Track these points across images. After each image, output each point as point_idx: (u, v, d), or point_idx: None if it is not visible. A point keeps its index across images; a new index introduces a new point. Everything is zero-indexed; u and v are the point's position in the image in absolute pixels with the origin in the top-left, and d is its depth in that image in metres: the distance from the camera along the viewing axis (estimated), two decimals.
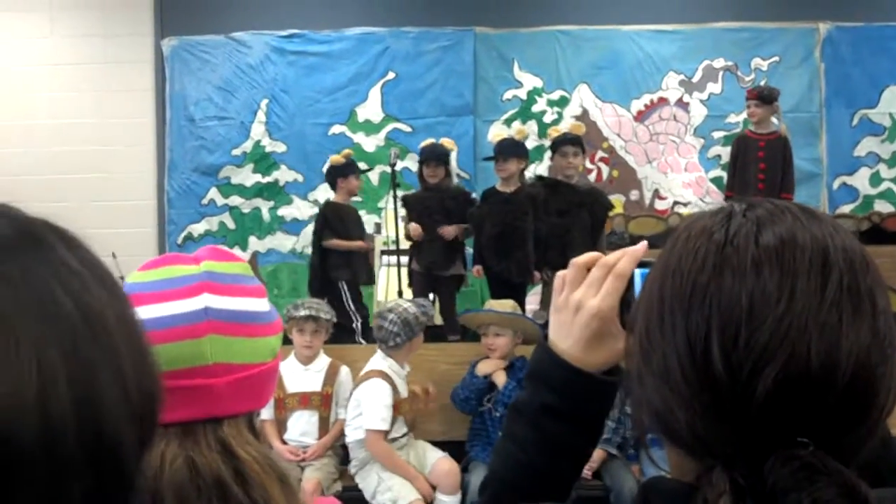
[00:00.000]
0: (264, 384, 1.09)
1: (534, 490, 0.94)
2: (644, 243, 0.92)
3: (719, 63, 7.33)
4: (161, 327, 1.00)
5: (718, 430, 0.67)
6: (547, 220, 5.47)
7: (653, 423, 0.74)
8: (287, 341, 4.72)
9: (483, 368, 4.55)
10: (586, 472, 4.36)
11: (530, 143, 7.15)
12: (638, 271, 0.89)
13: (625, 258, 0.91)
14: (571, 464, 0.94)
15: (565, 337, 0.93)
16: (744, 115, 6.34)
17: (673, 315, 0.71)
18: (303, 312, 4.60)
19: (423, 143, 6.00)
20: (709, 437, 0.67)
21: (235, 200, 7.23)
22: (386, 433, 4.19)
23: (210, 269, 1.06)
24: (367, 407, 4.16)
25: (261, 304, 1.09)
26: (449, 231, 5.58)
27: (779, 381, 0.65)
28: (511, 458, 0.95)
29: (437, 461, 4.35)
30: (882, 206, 7.12)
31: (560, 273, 0.95)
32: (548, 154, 6.26)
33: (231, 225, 7.22)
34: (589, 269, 0.93)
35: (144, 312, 0.98)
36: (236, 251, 7.13)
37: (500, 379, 4.50)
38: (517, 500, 0.93)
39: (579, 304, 0.91)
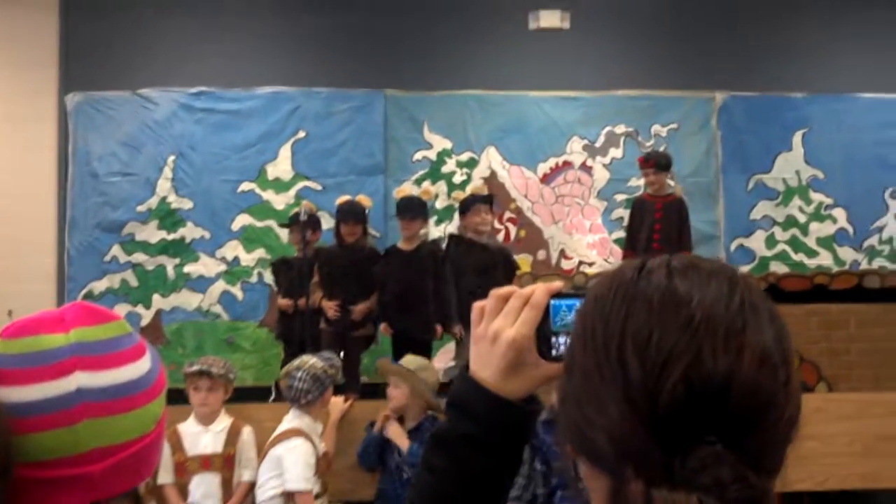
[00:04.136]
0: (147, 457, 1.03)
1: None
2: (559, 282, 0.95)
3: (621, 129, 7.57)
4: (32, 413, 0.93)
5: (632, 430, 0.70)
6: (463, 279, 5.54)
7: (574, 442, 0.77)
8: (187, 401, 4.60)
9: (386, 429, 4.54)
10: None
11: (440, 203, 7.26)
12: (553, 302, 0.92)
13: (539, 289, 0.93)
14: (491, 494, 0.94)
15: (484, 366, 0.94)
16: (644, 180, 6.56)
17: (594, 328, 0.76)
18: (195, 368, 4.50)
19: (339, 200, 6.01)
20: (623, 438, 0.70)
21: (139, 257, 7.06)
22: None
23: (81, 338, 0.98)
24: (291, 467, 4.03)
25: (139, 368, 1.03)
26: (360, 311, 5.64)
27: (686, 379, 0.69)
28: (429, 489, 0.95)
29: None
30: (778, 267, 7.39)
31: (478, 304, 0.97)
32: (457, 214, 6.34)
33: (134, 282, 7.04)
34: (507, 300, 0.95)
35: (12, 394, 0.93)
36: (139, 309, 6.98)
37: (403, 444, 4.48)
38: None
39: (496, 334, 0.93)
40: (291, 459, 4.05)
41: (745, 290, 0.74)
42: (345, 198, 6.07)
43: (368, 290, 5.72)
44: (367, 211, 5.92)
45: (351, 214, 5.76)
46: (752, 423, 0.69)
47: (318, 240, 6.11)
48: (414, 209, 5.75)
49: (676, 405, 0.68)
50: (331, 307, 5.63)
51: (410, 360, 4.66)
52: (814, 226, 7.68)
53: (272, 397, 5.61)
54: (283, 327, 6.04)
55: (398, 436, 4.48)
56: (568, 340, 0.89)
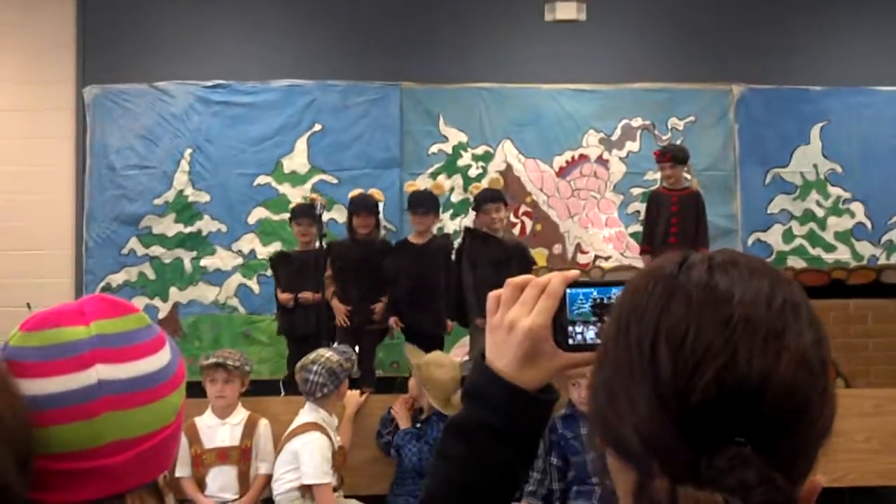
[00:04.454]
0: (167, 449, 1.04)
1: None
2: (576, 271, 0.94)
3: (637, 122, 7.54)
4: (53, 406, 0.93)
5: (660, 427, 0.68)
6: (479, 273, 5.55)
7: (603, 433, 0.76)
8: (203, 394, 4.62)
9: (394, 405, 4.65)
10: None
11: (456, 197, 7.26)
12: (569, 291, 0.91)
13: (556, 278, 0.93)
14: (507, 483, 0.94)
15: (500, 356, 0.94)
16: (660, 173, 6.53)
17: (628, 322, 0.74)
18: (211, 360, 4.53)
19: (352, 193, 6.04)
20: (652, 434, 0.69)
21: (156, 250, 7.10)
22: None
23: (101, 331, 0.99)
24: (308, 461, 4.05)
25: (159, 360, 1.03)
26: (381, 310, 5.64)
27: (719, 380, 0.68)
28: (447, 477, 0.95)
29: None
30: (795, 262, 7.35)
31: (494, 293, 0.96)
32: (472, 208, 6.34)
33: (151, 275, 7.08)
34: (523, 290, 0.94)
35: (33, 387, 0.93)
36: (157, 302, 7.01)
37: (402, 423, 4.57)
38: None
39: (512, 323, 0.93)
40: (308, 453, 4.06)
41: (787, 290, 0.73)
42: (357, 191, 6.09)
43: (381, 284, 5.73)
44: (379, 204, 5.94)
45: (363, 206, 5.78)
46: (785, 427, 0.68)
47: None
48: (426, 203, 5.76)
49: (707, 405, 0.67)
50: (341, 311, 5.63)
51: (436, 354, 4.69)
52: (832, 220, 7.62)
53: (282, 394, 5.63)
54: (285, 322, 6.04)
55: (401, 415, 4.54)
56: (586, 329, 0.90)
